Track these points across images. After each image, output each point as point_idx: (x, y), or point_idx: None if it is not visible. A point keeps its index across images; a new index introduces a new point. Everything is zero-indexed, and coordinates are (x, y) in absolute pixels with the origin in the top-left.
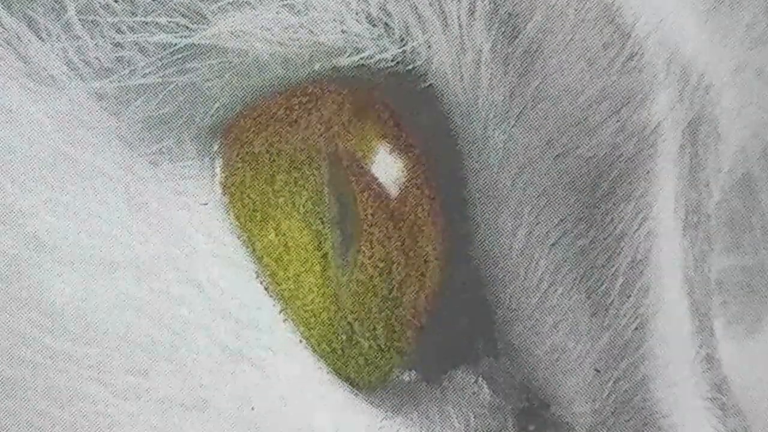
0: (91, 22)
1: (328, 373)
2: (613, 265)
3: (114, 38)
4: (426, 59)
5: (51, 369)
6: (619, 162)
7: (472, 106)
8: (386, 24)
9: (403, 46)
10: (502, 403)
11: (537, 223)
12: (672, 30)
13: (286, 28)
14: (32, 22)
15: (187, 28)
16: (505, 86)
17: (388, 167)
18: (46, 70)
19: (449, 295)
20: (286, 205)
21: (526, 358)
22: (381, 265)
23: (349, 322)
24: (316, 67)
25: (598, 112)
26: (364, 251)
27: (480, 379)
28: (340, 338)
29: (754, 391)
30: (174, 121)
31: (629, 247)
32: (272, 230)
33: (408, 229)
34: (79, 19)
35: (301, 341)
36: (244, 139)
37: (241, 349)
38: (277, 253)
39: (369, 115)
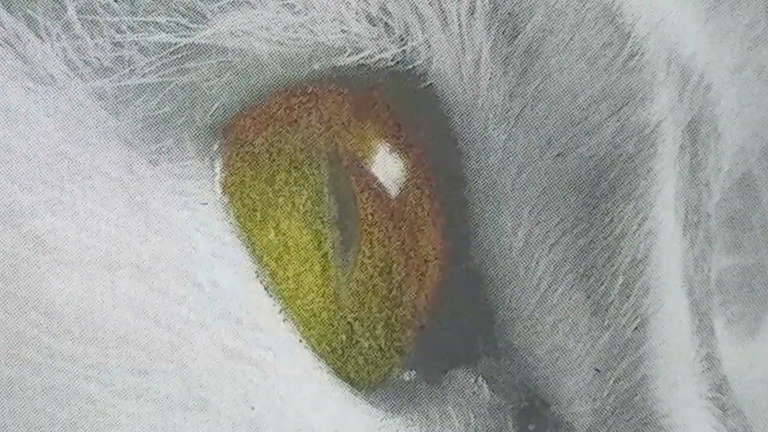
0: (91, 21)
1: (328, 373)
2: (613, 265)
3: (114, 38)
4: (426, 59)
5: (51, 369)
6: (619, 161)
7: (472, 106)
8: (386, 24)
9: (403, 45)
10: (502, 403)
11: (537, 223)
12: (672, 30)
13: (286, 28)
14: (32, 21)
15: (187, 27)
16: (505, 86)
17: (388, 167)
18: (46, 70)
19: (449, 295)
20: (286, 205)
21: (526, 358)
22: (381, 264)
23: (349, 322)
24: (316, 67)
25: (598, 111)
26: (364, 251)
27: (480, 378)
28: (340, 338)
29: (754, 391)
30: (174, 120)
31: (629, 247)
32: (272, 230)
33: (408, 229)
34: (79, 19)
35: (301, 341)
36: (244, 139)
37: (241, 349)
38: (277, 253)
39: (369, 115)
